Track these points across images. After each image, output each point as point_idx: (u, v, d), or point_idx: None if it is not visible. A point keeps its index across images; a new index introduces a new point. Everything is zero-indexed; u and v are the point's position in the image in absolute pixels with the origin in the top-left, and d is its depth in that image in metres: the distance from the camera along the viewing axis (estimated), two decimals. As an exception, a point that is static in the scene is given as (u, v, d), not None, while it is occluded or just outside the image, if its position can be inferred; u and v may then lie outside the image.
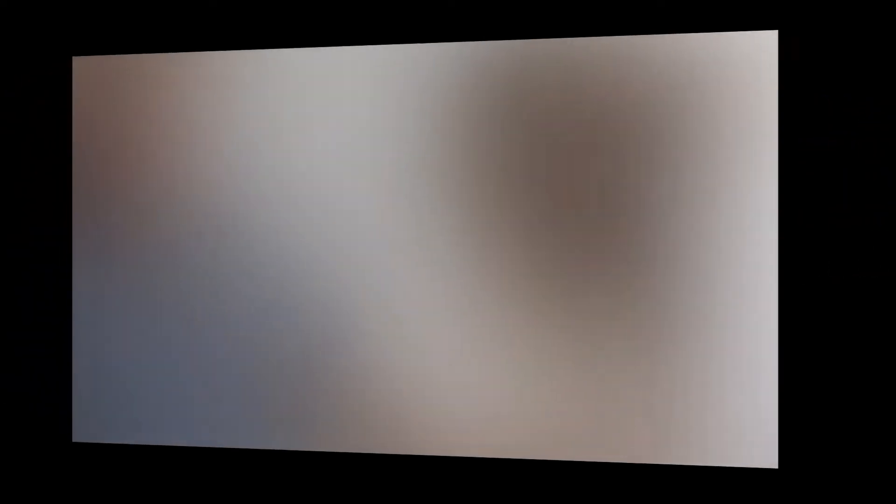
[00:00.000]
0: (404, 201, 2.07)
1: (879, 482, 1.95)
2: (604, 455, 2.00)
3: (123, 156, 2.14)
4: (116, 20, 2.15)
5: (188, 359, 2.12)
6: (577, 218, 2.02)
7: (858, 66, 1.95)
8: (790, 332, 1.97)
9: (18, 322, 2.19)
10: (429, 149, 2.06)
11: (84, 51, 2.14)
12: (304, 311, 2.09)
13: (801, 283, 1.97)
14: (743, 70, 1.97)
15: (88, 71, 2.15)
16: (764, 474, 1.97)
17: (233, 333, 2.11)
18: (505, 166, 2.04)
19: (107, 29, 2.15)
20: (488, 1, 2.03)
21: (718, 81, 1.97)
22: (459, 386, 2.05)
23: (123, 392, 2.14)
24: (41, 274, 2.19)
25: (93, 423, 2.15)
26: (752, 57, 1.96)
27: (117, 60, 2.14)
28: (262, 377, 2.10)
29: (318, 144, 2.09)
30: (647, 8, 2.00)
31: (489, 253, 2.05)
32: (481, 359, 2.04)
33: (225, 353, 2.12)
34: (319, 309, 2.08)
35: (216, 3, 2.10)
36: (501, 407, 2.03)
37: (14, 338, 2.19)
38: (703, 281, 1.98)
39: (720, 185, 1.98)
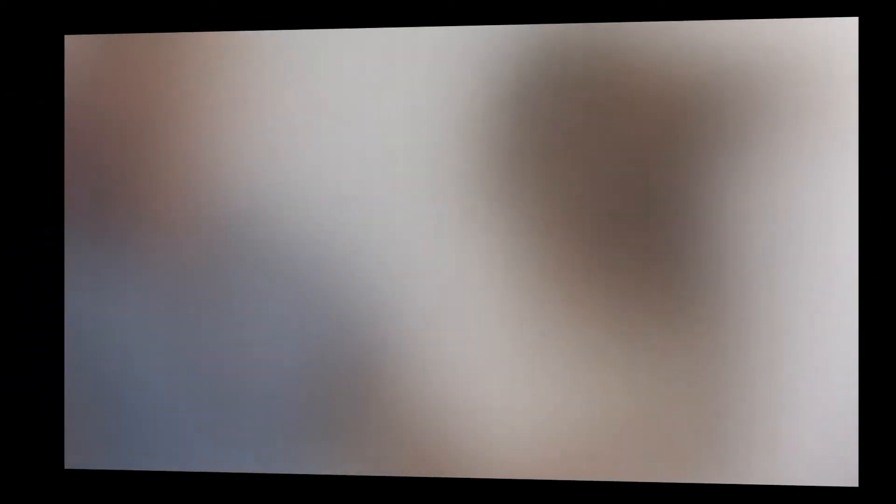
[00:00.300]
0: (421, 198, 2.05)
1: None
2: (679, 475, 2.00)
3: (118, 138, 2.13)
4: (109, -5, 2.16)
5: (186, 381, 2.11)
6: (639, 218, 2.00)
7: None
8: (871, 343, 1.96)
9: (11, 341, 2.18)
10: (483, 142, 2.05)
11: (77, 29, 2.16)
12: (315, 323, 2.07)
13: (882, 294, 1.95)
14: (821, 58, 1.96)
15: (81, 50, 2.15)
16: (844, 493, 1.97)
17: (234, 351, 2.10)
18: (551, 159, 2.02)
19: (100, 7, 2.14)
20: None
21: (796, 70, 1.97)
22: (511, 404, 2.04)
23: (117, 416, 2.13)
24: (38, 273, 2.17)
25: (85, 449, 2.14)
26: (832, 44, 1.96)
27: (111, 39, 2.14)
28: (264, 399, 2.09)
29: (326, 130, 2.08)
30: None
31: (535, 257, 2.03)
32: (533, 375, 2.03)
33: (225, 373, 2.10)
34: (334, 319, 2.07)
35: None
36: (561, 425, 2.02)
37: (6, 362, 2.13)
38: (780, 292, 1.97)
39: (796, 185, 1.97)
